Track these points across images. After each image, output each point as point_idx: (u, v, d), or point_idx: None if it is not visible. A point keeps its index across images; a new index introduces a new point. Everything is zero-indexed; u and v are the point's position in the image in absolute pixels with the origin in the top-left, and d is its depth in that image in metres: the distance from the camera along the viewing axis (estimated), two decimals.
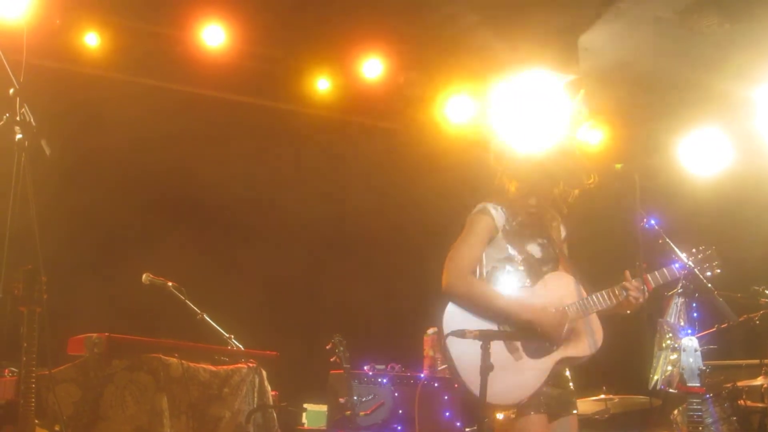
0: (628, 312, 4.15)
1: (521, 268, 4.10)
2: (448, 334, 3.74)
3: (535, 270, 4.12)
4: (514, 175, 4.26)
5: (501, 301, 3.97)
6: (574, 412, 4.13)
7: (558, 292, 4.07)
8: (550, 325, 3.94)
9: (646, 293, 4.05)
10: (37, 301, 3.68)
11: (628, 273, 4.07)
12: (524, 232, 4.17)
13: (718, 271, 4.16)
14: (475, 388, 3.66)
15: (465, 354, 3.79)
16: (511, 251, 4.11)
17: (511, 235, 4.13)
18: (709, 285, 4.00)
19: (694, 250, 4.21)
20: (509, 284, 4.07)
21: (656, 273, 4.15)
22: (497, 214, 4.14)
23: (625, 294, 4.06)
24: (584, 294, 4.10)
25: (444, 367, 6.38)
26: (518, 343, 3.95)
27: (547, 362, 3.96)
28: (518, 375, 3.87)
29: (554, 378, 4.00)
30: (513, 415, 3.89)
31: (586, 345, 4.02)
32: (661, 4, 6.43)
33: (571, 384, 4.13)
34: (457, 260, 4.06)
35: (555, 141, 4.23)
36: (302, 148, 7.70)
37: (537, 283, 4.09)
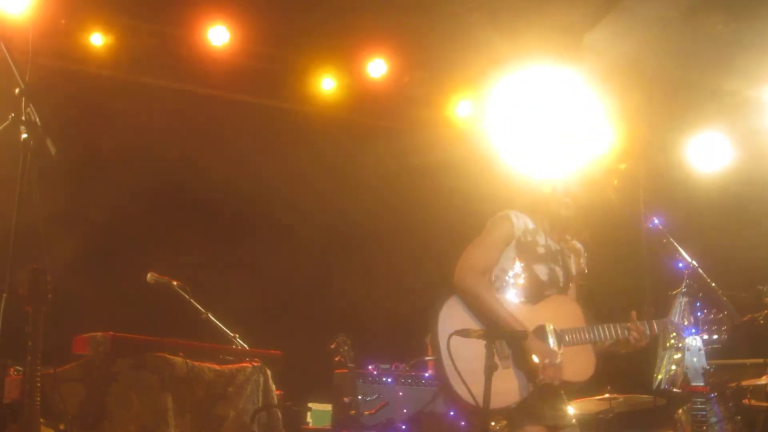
0: (623, 352, 4.19)
1: (521, 282, 4.12)
2: (451, 334, 3.72)
3: (536, 291, 4.14)
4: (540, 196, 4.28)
5: (501, 308, 3.98)
6: (573, 422, 4.11)
7: (558, 314, 4.10)
8: (536, 351, 3.90)
9: (648, 338, 4.09)
10: (42, 300, 3.69)
11: (634, 314, 4.09)
12: (537, 250, 4.19)
13: (725, 337, 4.14)
14: (461, 389, 3.71)
15: (462, 356, 3.79)
16: (517, 266, 4.15)
17: (523, 248, 4.16)
18: (713, 284, 3.99)
19: (705, 311, 4.17)
20: (507, 297, 4.09)
21: (664, 321, 4.14)
22: (518, 222, 4.19)
23: (626, 334, 4.09)
24: (584, 323, 4.11)
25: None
26: (509, 352, 3.95)
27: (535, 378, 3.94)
28: (504, 382, 3.83)
29: (546, 394, 3.99)
30: (499, 426, 3.90)
31: (576, 371, 4.02)
32: (667, 3, 6.42)
33: (565, 406, 4.09)
34: (470, 258, 4.12)
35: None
36: (307, 148, 7.71)
37: (540, 302, 4.11)
